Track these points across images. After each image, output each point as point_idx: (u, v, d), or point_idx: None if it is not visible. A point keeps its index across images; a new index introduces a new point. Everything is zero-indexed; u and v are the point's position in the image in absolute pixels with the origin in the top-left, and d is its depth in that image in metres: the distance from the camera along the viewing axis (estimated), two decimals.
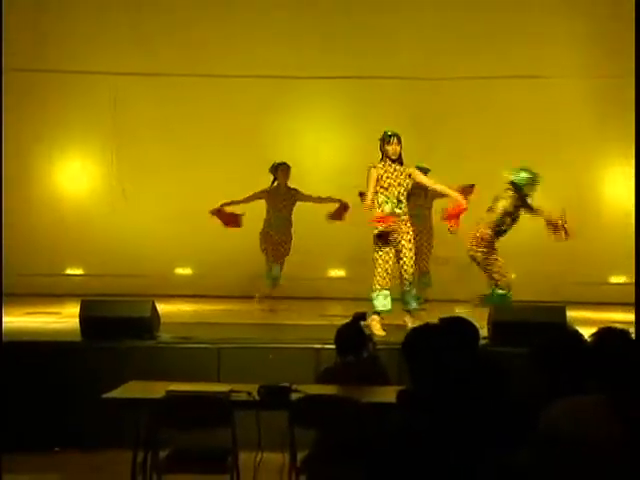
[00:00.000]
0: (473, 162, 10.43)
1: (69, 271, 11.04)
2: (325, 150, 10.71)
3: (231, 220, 9.22)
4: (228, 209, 9.29)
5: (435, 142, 10.46)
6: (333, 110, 10.80)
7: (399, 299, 7.54)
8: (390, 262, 7.44)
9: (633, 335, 3.49)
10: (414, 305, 7.58)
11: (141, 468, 4.92)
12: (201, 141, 10.82)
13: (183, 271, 11.07)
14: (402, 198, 7.52)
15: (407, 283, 7.50)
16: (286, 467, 4.90)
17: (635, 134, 7.43)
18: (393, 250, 7.44)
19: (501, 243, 9.48)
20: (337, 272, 10.94)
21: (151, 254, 10.64)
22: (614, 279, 9.81)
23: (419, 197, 8.95)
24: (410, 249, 7.50)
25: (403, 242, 7.49)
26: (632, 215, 10.43)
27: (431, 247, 9.49)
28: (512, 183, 8.05)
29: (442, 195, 8.40)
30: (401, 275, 7.51)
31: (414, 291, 7.61)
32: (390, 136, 7.57)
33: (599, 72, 10.49)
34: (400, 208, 7.50)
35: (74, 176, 11.09)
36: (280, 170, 9.30)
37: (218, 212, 9.24)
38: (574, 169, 10.38)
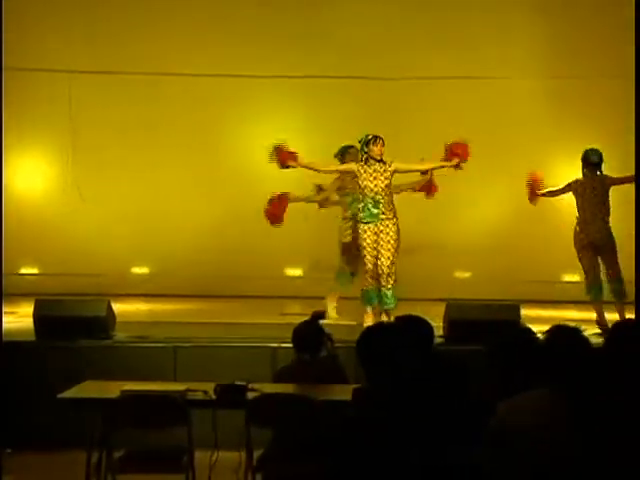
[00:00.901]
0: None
1: (24, 270, 10.92)
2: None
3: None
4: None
5: (392, 142, 10.49)
6: (293, 109, 10.79)
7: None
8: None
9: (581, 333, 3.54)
10: (391, 305, 7.60)
11: (95, 469, 4.89)
12: (158, 140, 10.75)
13: (139, 270, 11.00)
14: (379, 198, 7.55)
15: (385, 282, 7.52)
16: (242, 466, 4.90)
17: (635, 134, 7.52)
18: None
19: (454, 242, 9.62)
20: (295, 271, 10.94)
21: (107, 253, 10.56)
22: (567, 277, 9.91)
23: None
24: (388, 249, 7.54)
25: (381, 242, 7.53)
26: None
27: None
28: None
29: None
30: (379, 275, 7.54)
31: (391, 292, 7.62)
32: (376, 138, 7.65)
33: (552, 73, 10.60)
34: (377, 208, 7.53)
35: (30, 175, 10.96)
36: (348, 154, 8.39)
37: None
38: (528, 168, 10.46)
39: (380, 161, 7.62)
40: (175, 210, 10.54)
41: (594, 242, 8.16)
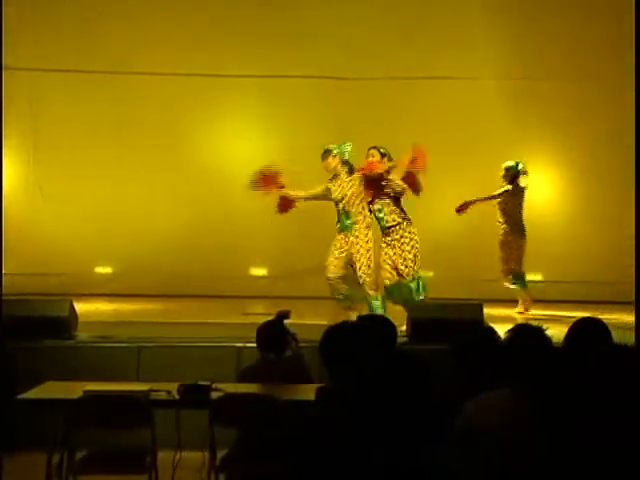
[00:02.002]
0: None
1: None
2: (245, 149, 10.66)
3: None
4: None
5: (355, 142, 10.52)
6: (254, 109, 10.77)
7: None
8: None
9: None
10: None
11: (57, 470, 4.85)
12: (123, 140, 10.68)
13: (103, 270, 10.93)
14: (348, 208, 7.68)
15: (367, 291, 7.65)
16: (206, 466, 4.88)
17: (635, 134, 7.59)
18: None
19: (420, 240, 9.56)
20: (259, 271, 10.93)
21: (70, 253, 10.49)
22: (530, 277, 9.99)
23: None
24: (361, 254, 7.63)
25: (353, 251, 7.67)
26: (549, 214, 10.71)
27: None
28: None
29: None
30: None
31: (376, 302, 7.66)
32: (324, 152, 7.80)
33: (514, 74, 10.68)
34: (349, 218, 7.65)
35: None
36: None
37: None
38: (489, 168, 10.52)
39: (336, 175, 7.76)
40: (139, 210, 10.49)
41: None
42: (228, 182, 9.51)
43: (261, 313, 7.95)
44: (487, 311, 6.92)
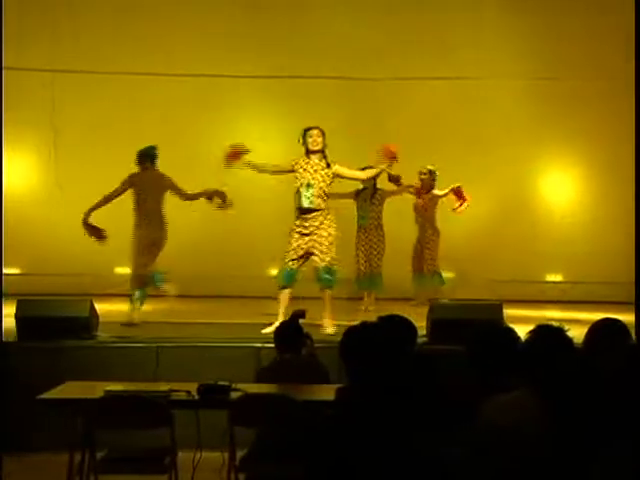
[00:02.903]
0: (409, 163, 10.50)
1: (6, 270, 10.85)
2: (261, 150, 10.65)
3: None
4: None
5: (370, 143, 10.52)
6: (269, 110, 10.79)
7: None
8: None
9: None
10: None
11: (78, 470, 4.87)
12: (139, 139, 10.70)
13: (122, 270, 10.95)
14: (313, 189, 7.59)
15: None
16: (225, 466, 4.89)
17: (635, 134, 7.57)
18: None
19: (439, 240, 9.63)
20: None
21: (90, 253, 10.49)
22: (550, 277, 9.98)
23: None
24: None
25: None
26: (569, 215, 10.66)
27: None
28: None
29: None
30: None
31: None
32: (310, 129, 7.75)
33: (531, 74, 10.64)
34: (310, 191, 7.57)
35: (11, 174, 10.90)
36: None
37: None
38: (510, 169, 10.51)
39: (322, 153, 7.66)
40: None
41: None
42: (244, 182, 9.51)
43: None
44: (506, 312, 6.90)
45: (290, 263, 7.65)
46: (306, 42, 10.71)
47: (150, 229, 8.47)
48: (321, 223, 7.58)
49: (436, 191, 9.49)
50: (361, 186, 9.24)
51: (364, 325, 3.62)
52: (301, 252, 7.62)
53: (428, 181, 9.52)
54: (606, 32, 10.50)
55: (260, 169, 7.94)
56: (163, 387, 5.00)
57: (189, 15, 10.82)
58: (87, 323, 6.88)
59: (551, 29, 10.65)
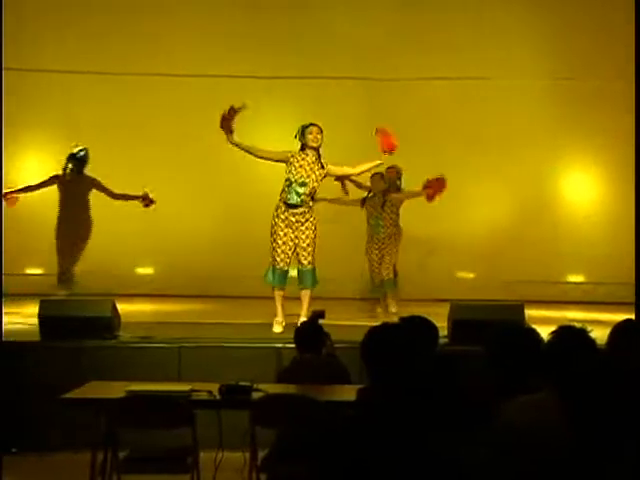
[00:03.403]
0: (427, 162, 10.50)
1: (29, 270, 10.95)
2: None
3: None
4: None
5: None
6: (289, 110, 10.80)
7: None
8: None
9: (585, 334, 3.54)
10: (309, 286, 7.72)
11: (100, 469, 4.90)
12: (158, 140, 10.77)
13: (144, 270, 11.02)
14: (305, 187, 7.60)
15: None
16: (247, 466, 4.90)
17: (635, 134, 7.54)
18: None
19: (457, 242, 9.57)
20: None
21: (112, 253, 10.58)
22: (572, 278, 9.94)
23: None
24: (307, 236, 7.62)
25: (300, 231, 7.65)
26: (590, 215, 10.62)
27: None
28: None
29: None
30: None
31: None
32: (310, 125, 7.78)
33: (552, 74, 10.61)
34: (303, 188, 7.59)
35: (32, 176, 10.96)
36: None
37: None
38: (531, 169, 10.47)
39: (316, 151, 7.67)
40: (179, 210, 10.56)
41: None
42: (263, 184, 9.54)
43: (299, 314, 7.97)
44: (527, 312, 6.88)
45: (282, 264, 7.68)
46: (310, 42, 10.72)
47: (73, 229, 8.94)
48: (307, 220, 7.61)
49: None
50: (367, 193, 9.03)
51: (385, 326, 3.62)
52: (290, 250, 7.65)
53: (394, 179, 9.30)
54: (625, 31, 10.44)
55: (249, 150, 7.90)
56: (185, 387, 5.02)
57: (203, 15, 10.85)
58: (109, 323, 6.92)
59: (570, 29, 10.61)
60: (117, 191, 8.98)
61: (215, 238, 10.02)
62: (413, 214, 9.61)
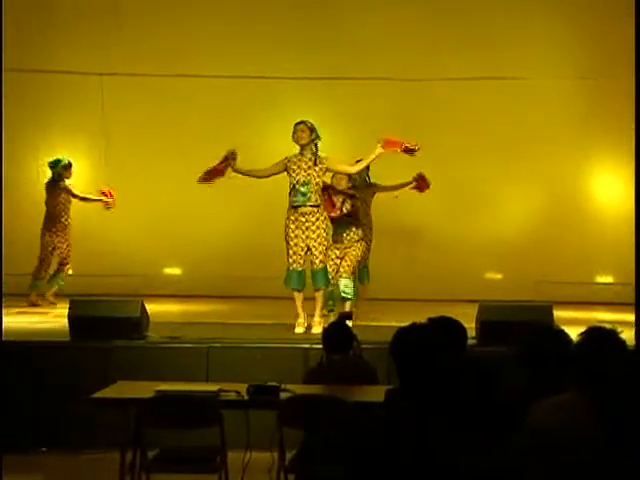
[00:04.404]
0: (456, 162, 10.48)
1: None
2: None
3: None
4: None
5: (419, 142, 10.50)
6: (317, 111, 10.77)
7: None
8: None
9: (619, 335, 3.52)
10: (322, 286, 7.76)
11: (129, 468, 4.93)
12: (188, 141, 10.80)
13: (172, 271, 11.06)
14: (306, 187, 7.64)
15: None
16: (275, 466, 4.91)
17: (635, 134, 7.48)
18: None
19: (485, 243, 9.49)
20: None
21: (140, 254, 10.63)
22: (601, 279, 9.86)
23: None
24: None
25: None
26: (619, 215, 10.52)
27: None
28: None
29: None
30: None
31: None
32: (296, 124, 7.81)
33: (581, 73, 10.53)
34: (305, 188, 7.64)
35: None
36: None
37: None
38: (560, 170, 10.40)
39: (310, 147, 7.70)
40: (207, 211, 10.59)
41: None
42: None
43: (326, 314, 7.98)
44: (556, 313, 6.85)
45: (295, 265, 7.70)
46: (348, 43, 10.70)
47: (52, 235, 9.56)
48: (317, 219, 7.64)
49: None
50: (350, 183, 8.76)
51: (414, 326, 3.62)
52: (302, 251, 7.66)
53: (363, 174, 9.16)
54: None
55: (250, 174, 8.00)
56: (213, 387, 5.04)
57: (234, 17, 10.88)
58: (138, 323, 6.96)
59: (598, 27, 10.54)
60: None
61: (243, 239, 10.04)
62: (442, 214, 9.61)
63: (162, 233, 10.69)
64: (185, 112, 10.80)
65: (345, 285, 7.96)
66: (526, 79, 10.55)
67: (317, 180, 7.65)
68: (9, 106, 10.72)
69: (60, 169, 9.64)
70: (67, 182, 9.69)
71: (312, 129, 7.76)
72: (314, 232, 7.62)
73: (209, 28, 10.85)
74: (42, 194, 10.07)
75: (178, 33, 10.84)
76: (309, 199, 7.59)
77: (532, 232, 10.19)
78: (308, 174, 7.62)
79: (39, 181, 10.68)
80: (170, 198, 10.68)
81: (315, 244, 7.63)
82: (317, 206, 7.64)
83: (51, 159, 9.77)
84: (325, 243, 7.71)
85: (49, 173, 9.78)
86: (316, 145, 7.77)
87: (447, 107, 10.60)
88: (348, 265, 8.07)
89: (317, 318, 7.67)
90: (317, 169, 7.65)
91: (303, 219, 7.61)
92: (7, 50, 10.61)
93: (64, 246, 9.66)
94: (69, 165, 9.71)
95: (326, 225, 7.71)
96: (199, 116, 10.78)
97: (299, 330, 7.62)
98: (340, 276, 8.05)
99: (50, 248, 9.62)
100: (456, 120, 10.51)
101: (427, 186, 8.90)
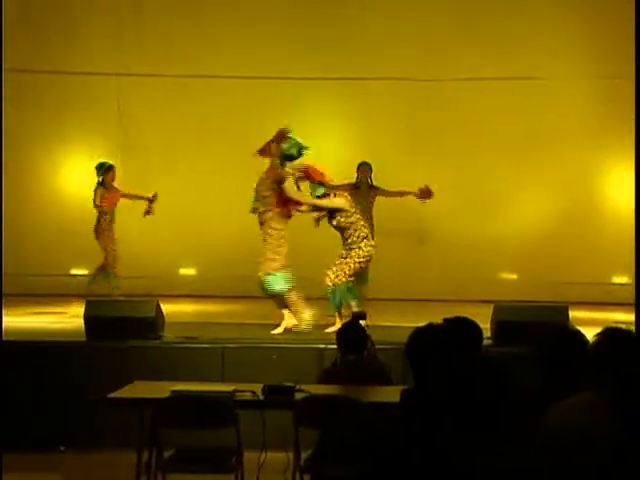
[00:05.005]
0: (472, 163, 10.47)
1: (74, 271, 11.06)
2: (325, 152, 10.71)
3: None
4: None
5: (433, 143, 10.50)
6: (338, 112, 10.82)
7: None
8: None
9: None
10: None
11: (145, 468, 4.94)
12: (204, 142, 10.84)
13: (187, 271, 11.09)
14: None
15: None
16: (290, 466, 4.92)
17: (635, 134, 7.45)
18: None
19: (500, 243, 9.45)
20: None
21: (155, 255, 10.67)
22: (617, 279, 9.81)
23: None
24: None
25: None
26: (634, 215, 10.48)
27: None
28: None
29: None
30: None
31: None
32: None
33: (600, 73, 10.49)
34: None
35: (79, 177, 11.10)
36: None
37: None
38: (575, 170, 10.38)
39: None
40: (223, 211, 10.60)
41: None
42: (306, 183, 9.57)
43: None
44: (572, 314, 6.83)
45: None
46: (368, 43, 10.71)
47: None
48: None
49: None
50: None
51: (430, 326, 3.62)
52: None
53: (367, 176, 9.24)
54: None
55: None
56: (228, 387, 5.04)
57: (252, 18, 10.90)
58: (153, 324, 6.98)
59: (615, 27, 10.49)
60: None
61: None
62: (458, 215, 9.59)
63: (177, 234, 10.72)
64: (202, 113, 10.83)
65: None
66: (542, 79, 10.53)
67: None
68: (26, 107, 10.80)
69: (104, 172, 9.63)
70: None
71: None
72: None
73: (226, 29, 10.89)
74: (57, 195, 10.14)
75: (195, 34, 10.88)
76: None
77: (547, 232, 10.16)
78: None
79: (56, 182, 10.76)
80: (186, 199, 10.70)
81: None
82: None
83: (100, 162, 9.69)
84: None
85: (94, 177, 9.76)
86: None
87: (463, 107, 10.59)
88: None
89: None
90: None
91: None
92: (24, 51, 10.70)
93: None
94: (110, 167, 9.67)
95: None
96: (216, 117, 10.80)
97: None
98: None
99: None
100: (471, 120, 10.50)
101: (430, 197, 8.95)
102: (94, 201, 9.37)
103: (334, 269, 7.80)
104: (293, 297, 7.79)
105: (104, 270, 9.46)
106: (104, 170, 9.43)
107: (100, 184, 9.37)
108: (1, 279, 7.77)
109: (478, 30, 10.59)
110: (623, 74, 10.38)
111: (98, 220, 9.38)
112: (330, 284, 7.78)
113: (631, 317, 8.76)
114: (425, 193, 8.92)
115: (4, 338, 6.80)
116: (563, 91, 10.54)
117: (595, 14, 10.50)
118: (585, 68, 10.53)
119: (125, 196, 9.52)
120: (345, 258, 7.83)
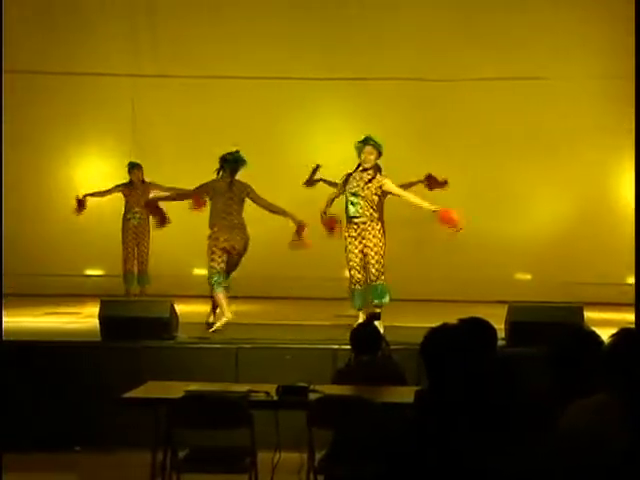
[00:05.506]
0: (486, 163, 10.44)
1: (89, 272, 11.11)
2: (334, 152, 10.73)
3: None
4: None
5: (439, 143, 10.48)
6: (350, 112, 10.82)
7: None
8: None
9: None
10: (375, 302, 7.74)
11: (160, 468, 4.95)
12: (217, 142, 10.83)
13: (201, 271, 11.09)
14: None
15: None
16: (304, 467, 4.92)
17: (635, 134, 7.43)
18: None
19: (515, 243, 9.41)
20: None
21: (169, 255, 10.69)
22: (631, 280, 9.75)
23: None
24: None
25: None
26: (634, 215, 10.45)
27: None
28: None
29: None
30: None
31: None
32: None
33: (609, 73, 10.46)
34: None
35: (92, 177, 11.15)
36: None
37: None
38: (589, 170, 10.35)
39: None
40: None
41: None
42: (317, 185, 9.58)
43: (354, 315, 7.96)
44: (586, 314, 6.81)
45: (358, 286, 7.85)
46: (378, 44, 10.71)
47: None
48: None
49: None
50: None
51: (445, 327, 3.61)
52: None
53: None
54: None
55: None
56: (242, 388, 5.05)
57: (267, 18, 10.92)
58: (168, 324, 7.00)
59: (625, 26, 10.45)
60: None
61: (272, 239, 10.02)
62: (472, 214, 9.54)
63: (191, 234, 10.72)
64: (216, 114, 10.85)
65: None
66: (546, 79, 10.51)
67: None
68: (40, 108, 10.85)
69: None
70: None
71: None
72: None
73: (240, 30, 10.91)
74: (71, 195, 10.17)
75: (209, 35, 10.92)
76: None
77: (562, 233, 10.14)
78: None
79: (70, 182, 10.80)
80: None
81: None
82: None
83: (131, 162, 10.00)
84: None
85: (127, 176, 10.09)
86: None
87: (467, 107, 10.60)
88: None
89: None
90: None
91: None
92: (38, 53, 10.74)
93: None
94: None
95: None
96: (230, 117, 10.82)
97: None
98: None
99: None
100: (476, 120, 10.50)
101: (438, 184, 8.89)
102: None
103: (377, 265, 7.77)
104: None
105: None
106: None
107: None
108: (1, 279, 7.80)
109: (487, 30, 10.59)
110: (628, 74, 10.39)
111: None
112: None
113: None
114: (432, 180, 8.88)
115: (21, 339, 6.83)
116: (580, 91, 10.52)
117: (597, 14, 10.47)
118: (600, 68, 10.49)
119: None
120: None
